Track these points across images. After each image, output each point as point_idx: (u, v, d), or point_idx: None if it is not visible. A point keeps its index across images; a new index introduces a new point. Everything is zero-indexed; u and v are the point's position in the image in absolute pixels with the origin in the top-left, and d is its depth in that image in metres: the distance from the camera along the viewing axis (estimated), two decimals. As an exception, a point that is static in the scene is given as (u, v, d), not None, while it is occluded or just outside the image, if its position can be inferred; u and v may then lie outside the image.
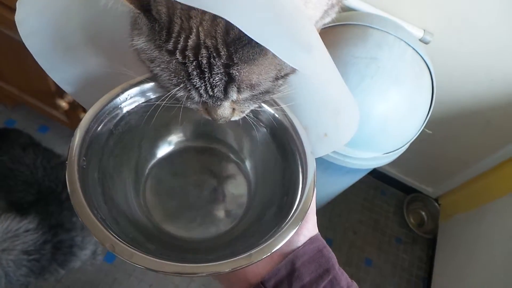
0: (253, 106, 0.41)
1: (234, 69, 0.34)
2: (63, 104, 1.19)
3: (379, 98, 0.84)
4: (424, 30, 1.02)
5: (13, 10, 0.90)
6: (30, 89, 1.33)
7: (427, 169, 1.66)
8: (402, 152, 0.98)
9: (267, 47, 0.28)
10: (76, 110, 1.25)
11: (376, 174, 1.75)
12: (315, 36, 0.36)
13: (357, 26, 0.88)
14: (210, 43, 0.33)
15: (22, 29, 0.40)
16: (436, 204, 1.74)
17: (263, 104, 0.46)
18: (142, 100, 0.46)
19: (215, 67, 0.33)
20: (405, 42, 0.88)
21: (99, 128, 0.42)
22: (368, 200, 1.77)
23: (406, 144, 0.97)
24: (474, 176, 1.49)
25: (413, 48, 0.88)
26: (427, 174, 1.69)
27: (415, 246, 1.70)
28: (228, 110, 0.39)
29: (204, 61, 0.33)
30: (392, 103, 0.86)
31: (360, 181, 1.27)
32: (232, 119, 0.41)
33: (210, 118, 0.41)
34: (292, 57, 0.29)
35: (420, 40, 1.01)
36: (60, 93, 1.20)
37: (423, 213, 1.79)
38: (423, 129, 0.96)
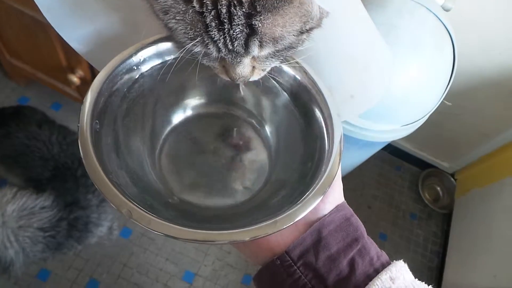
0: (274, 64, 0.38)
1: (256, 19, 0.31)
2: (75, 79, 1.18)
3: (398, 68, 0.81)
4: (446, -4, 0.97)
5: (22, -18, 0.88)
6: (42, 65, 1.33)
7: (443, 144, 1.63)
8: (420, 124, 0.96)
9: None
10: (88, 85, 1.24)
11: (391, 149, 1.73)
12: None
13: (376, -9, 0.84)
14: None
15: None
16: (452, 179, 1.71)
17: (283, 65, 0.43)
18: (157, 61, 0.43)
19: (235, 17, 0.31)
20: (427, 8, 0.84)
21: (111, 91, 0.40)
22: (382, 175, 1.75)
23: (425, 116, 0.94)
24: (493, 150, 1.46)
25: (435, 15, 0.84)
26: (444, 148, 1.66)
27: (430, 221, 1.69)
28: (248, 68, 0.37)
29: (224, 10, 0.30)
30: (412, 72, 0.83)
31: (375, 156, 1.25)
32: (252, 79, 0.38)
33: (227, 78, 0.38)
34: None
35: (441, 7, 0.96)
36: (72, 68, 1.20)
37: (439, 188, 1.76)
38: (442, 101, 0.93)
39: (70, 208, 1.04)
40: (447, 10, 0.98)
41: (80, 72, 1.19)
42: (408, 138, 0.99)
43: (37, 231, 0.95)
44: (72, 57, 1.16)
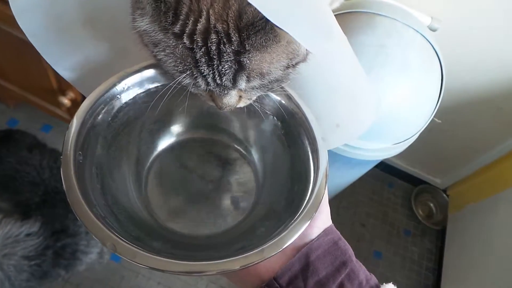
0: (260, 93, 0.39)
1: (245, 57, 0.32)
2: (65, 101, 1.18)
3: (388, 87, 0.82)
4: (432, 17, 0.99)
5: (12, 6, 0.88)
6: (32, 87, 1.32)
7: (435, 160, 1.64)
8: (411, 142, 0.96)
9: (288, 32, 0.26)
10: (78, 107, 1.23)
11: (383, 167, 1.74)
12: (333, 19, 0.34)
13: (364, 13, 0.86)
14: (220, 27, 0.31)
15: (15, 4, 0.37)
16: (445, 195, 1.72)
17: (269, 92, 0.43)
18: (141, 90, 0.43)
19: (224, 54, 0.31)
20: (414, 29, 0.85)
21: (95, 120, 0.39)
22: (375, 192, 1.75)
23: (416, 133, 0.95)
24: (484, 165, 1.47)
25: (422, 35, 0.86)
26: (435, 165, 1.67)
27: (424, 237, 1.68)
28: (235, 98, 0.38)
29: (214, 47, 0.31)
30: (402, 91, 0.84)
31: (367, 174, 1.25)
32: (238, 106, 0.39)
33: (214, 105, 0.39)
34: (312, 42, 0.27)
35: (428, 27, 0.99)
36: (62, 90, 1.19)
37: (432, 204, 1.77)
38: (432, 118, 0.94)
39: (57, 235, 1.01)
40: (433, 31, 1.00)
41: (71, 94, 1.18)
42: (400, 155, 1.00)
43: (21, 259, 0.92)
44: (63, 79, 1.15)
